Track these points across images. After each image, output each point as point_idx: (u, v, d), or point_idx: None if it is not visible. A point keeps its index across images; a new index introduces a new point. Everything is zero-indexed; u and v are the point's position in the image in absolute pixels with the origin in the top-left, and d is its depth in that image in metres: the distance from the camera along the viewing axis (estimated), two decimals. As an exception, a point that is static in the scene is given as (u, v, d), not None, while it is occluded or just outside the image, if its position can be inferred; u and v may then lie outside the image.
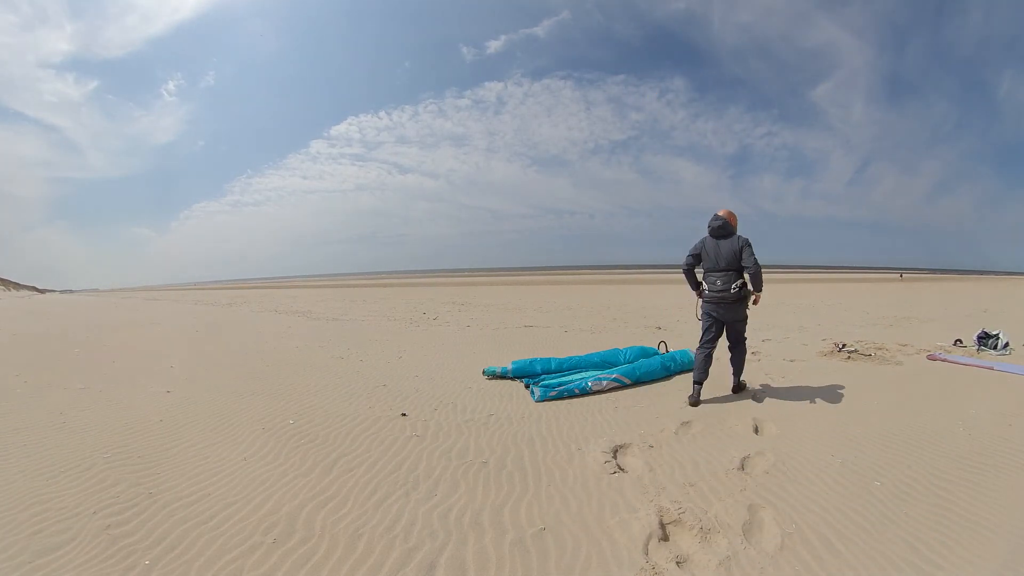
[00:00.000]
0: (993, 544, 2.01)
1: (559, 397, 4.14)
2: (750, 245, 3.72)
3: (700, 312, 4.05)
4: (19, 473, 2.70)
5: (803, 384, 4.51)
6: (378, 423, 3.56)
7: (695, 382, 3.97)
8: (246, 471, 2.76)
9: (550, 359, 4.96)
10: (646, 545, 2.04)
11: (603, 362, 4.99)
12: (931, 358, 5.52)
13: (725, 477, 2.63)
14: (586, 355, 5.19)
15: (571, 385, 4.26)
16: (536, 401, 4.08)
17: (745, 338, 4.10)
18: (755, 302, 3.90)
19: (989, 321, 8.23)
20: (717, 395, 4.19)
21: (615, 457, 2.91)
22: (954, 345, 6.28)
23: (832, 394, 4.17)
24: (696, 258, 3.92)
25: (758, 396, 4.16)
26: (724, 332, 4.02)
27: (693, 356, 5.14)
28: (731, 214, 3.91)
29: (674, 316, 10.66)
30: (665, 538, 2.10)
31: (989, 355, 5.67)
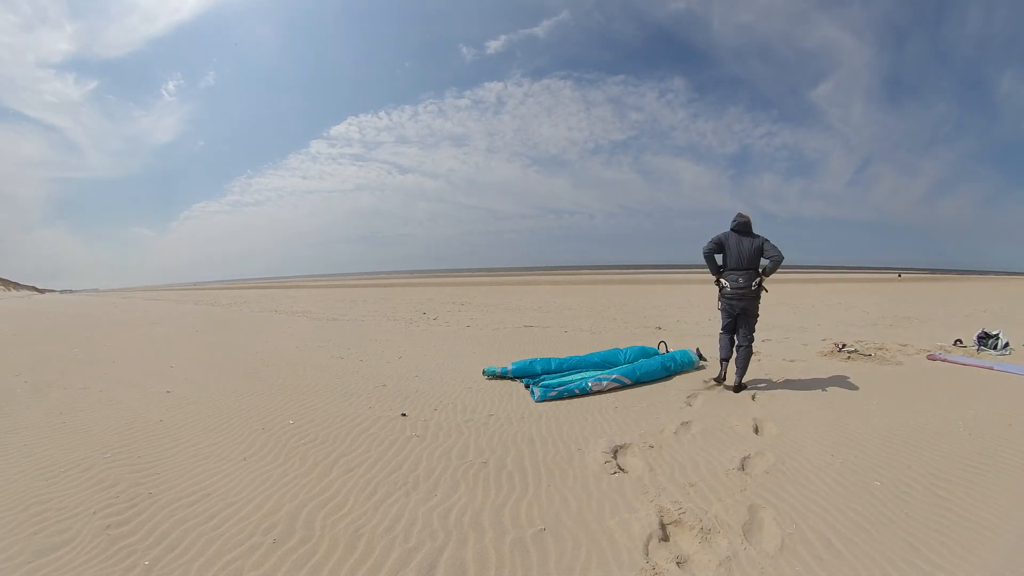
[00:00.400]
0: (993, 544, 2.01)
1: (559, 397, 4.14)
2: (770, 240, 4.13)
3: (720, 306, 4.38)
4: (19, 473, 2.70)
5: (803, 384, 4.51)
6: (378, 423, 3.56)
7: (722, 359, 4.34)
8: (246, 471, 2.76)
9: (550, 359, 4.96)
10: (646, 545, 2.04)
11: (603, 362, 4.98)
12: (931, 358, 5.52)
13: (725, 477, 2.63)
14: (586, 355, 5.19)
15: (571, 385, 4.26)
16: (536, 401, 4.08)
17: (753, 338, 4.32)
18: (761, 284, 4.21)
19: (989, 321, 8.23)
20: (717, 395, 4.19)
21: (615, 457, 2.91)
22: (954, 345, 6.28)
23: (832, 394, 4.17)
24: (718, 245, 4.18)
25: (758, 396, 4.15)
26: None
27: (693, 356, 5.17)
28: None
29: (674, 316, 10.66)
30: (665, 538, 2.10)
31: (989, 355, 5.67)
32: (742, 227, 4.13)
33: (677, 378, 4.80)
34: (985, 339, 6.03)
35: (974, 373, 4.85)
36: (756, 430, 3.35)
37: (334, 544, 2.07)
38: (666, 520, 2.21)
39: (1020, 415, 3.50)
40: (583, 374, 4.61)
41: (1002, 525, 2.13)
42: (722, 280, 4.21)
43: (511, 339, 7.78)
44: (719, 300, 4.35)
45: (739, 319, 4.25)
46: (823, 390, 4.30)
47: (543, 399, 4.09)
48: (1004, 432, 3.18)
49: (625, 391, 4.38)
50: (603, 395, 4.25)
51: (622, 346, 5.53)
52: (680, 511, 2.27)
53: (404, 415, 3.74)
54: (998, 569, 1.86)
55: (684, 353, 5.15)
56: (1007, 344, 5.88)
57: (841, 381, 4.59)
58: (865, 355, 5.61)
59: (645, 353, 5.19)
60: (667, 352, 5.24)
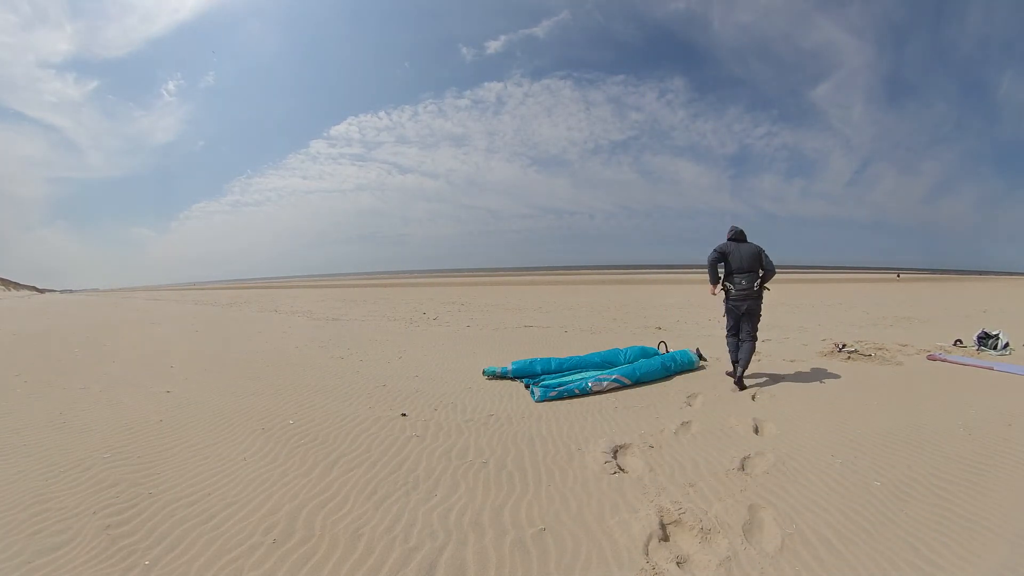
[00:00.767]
0: (993, 544, 2.01)
1: (559, 397, 4.14)
2: (765, 250, 4.43)
3: (725, 308, 4.57)
4: (19, 473, 2.70)
5: (803, 384, 4.51)
6: (378, 423, 3.56)
7: (734, 361, 4.52)
8: (246, 471, 2.76)
9: (550, 359, 4.96)
10: (646, 545, 2.04)
11: (603, 362, 4.98)
12: (931, 358, 5.52)
13: (725, 477, 2.63)
14: (586, 355, 5.19)
15: (571, 385, 4.26)
16: (536, 401, 4.08)
17: (756, 336, 4.51)
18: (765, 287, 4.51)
19: (989, 321, 8.23)
20: (717, 395, 4.19)
21: (615, 457, 2.91)
22: (954, 345, 6.28)
23: (832, 394, 4.17)
24: (722, 254, 4.44)
25: (758, 396, 4.15)
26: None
27: (693, 356, 5.17)
28: None
29: (674, 316, 10.66)
30: (665, 538, 2.10)
31: (989, 355, 5.67)
32: (739, 235, 4.50)
33: (677, 378, 4.80)
34: (985, 339, 6.03)
35: (974, 373, 4.85)
36: (756, 430, 3.35)
37: (334, 544, 2.07)
38: (666, 520, 2.21)
39: (1020, 415, 3.50)
40: (583, 374, 4.61)
41: (1002, 525, 2.13)
42: (726, 283, 4.45)
43: (511, 339, 7.78)
44: (724, 304, 4.56)
45: (743, 319, 4.46)
46: (823, 390, 4.30)
47: (543, 399, 4.09)
48: (1004, 432, 3.18)
49: (625, 391, 4.38)
50: (603, 395, 4.25)
51: (622, 346, 5.53)
52: (680, 511, 2.26)
53: (404, 415, 3.74)
54: (998, 569, 1.86)
55: (684, 353, 5.15)
56: (1007, 344, 5.87)
57: (841, 381, 4.59)
58: (865, 355, 5.61)
59: (645, 353, 5.19)
60: (667, 352, 5.24)
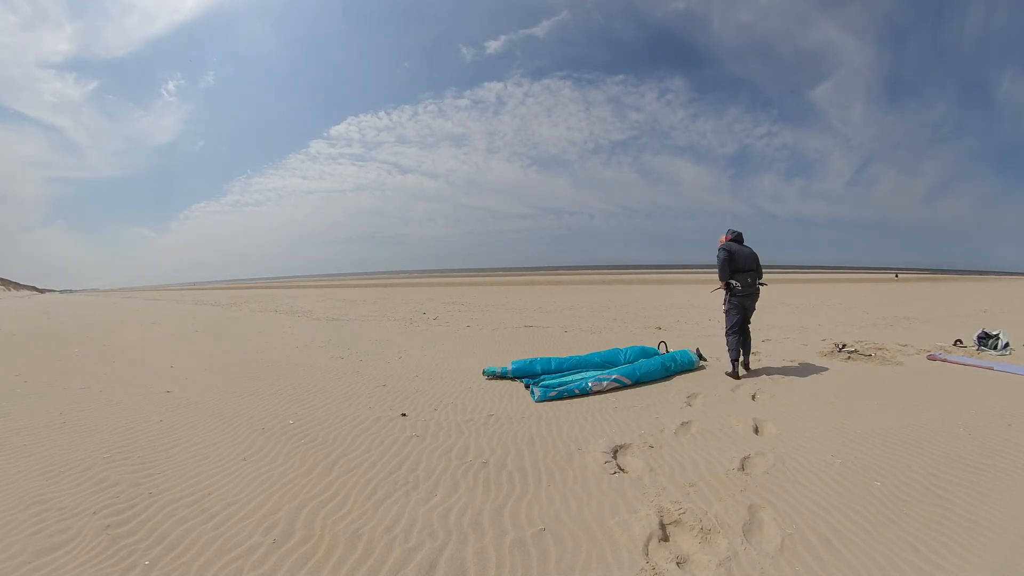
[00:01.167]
0: (993, 544, 2.01)
1: (559, 397, 4.14)
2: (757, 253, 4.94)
3: (730, 305, 4.85)
4: (19, 473, 2.70)
5: (803, 384, 4.51)
6: (378, 423, 3.56)
7: (733, 360, 4.82)
8: (246, 471, 2.76)
9: (550, 359, 4.96)
10: (646, 545, 2.04)
11: (603, 362, 4.98)
12: (931, 358, 5.52)
13: (725, 477, 2.63)
14: (586, 355, 5.19)
15: (571, 385, 4.26)
16: (536, 401, 4.08)
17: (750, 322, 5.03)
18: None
19: (989, 321, 8.23)
20: (717, 395, 4.19)
21: (615, 457, 2.91)
22: (954, 345, 6.27)
23: (832, 395, 4.17)
24: (731, 254, 4.78)
25: (758, 396, 4.16)
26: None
27: (693, 356, 5.17)
28: None
29: (674, 316, 10.66)
30: (665, 538, 2.10)
31: (989, 355, 5.67)
32: (739, 238, 4.95)
33: (677, 378, 4.80)
34: (985, 339, 6.03)
35: (974, 373, 4.85)
36: (756, 430, 3.35)
37: (334, 544, 2.07)
38: (666, 520, 2.21)
39: (1020, 415, 3.50)
40: (583, 374, 4.61)
41: (1002, 525, 2.13)
42: (732, 281, 4.77)
43: (511, 339, 7.78)
44: (729, 301, 4.84)
45: (746, 314, 4.87)
46: (823, 390, 4.30)
47: (543, 399, 4.09)
48: (1004, 432, 3.18)
49: (625, 391, 4.38)
50: (603, 395, 4.25)
51: (622, 346, 5.53)
52: (680, 511, 2.27)
53: (404, 415, 3.74)
54: (998, 569, 1.86)
55: (684, 353, 5.15)
56: (1007, 344, 5.87)
57: (841, 381, 4.59)
58: (865, 355, 5.61)
59: (645, 353, 5.19)
60: (667, 352, 5.24)
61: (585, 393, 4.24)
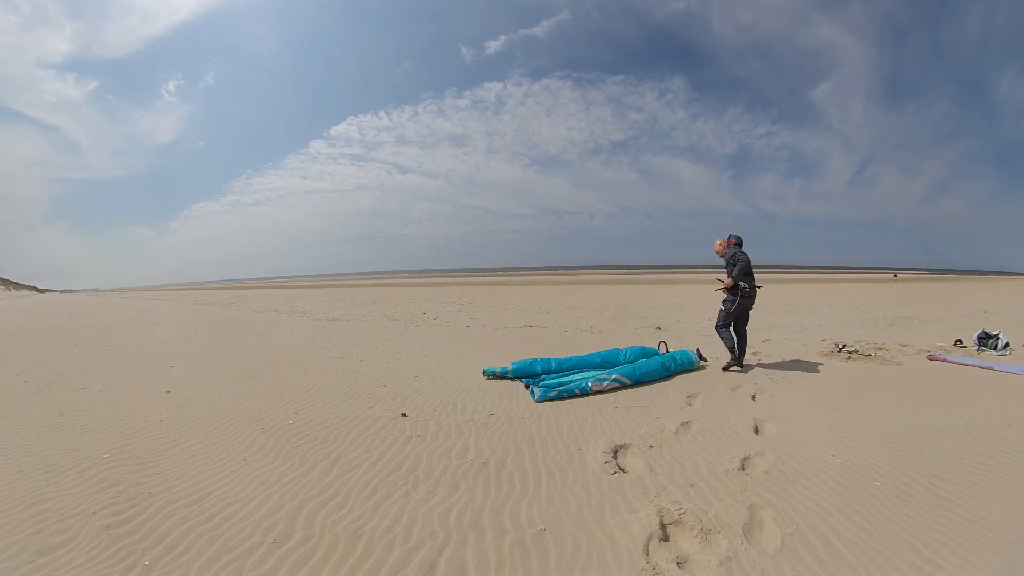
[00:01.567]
0: (993, 544, 2.01)
1: (559, 397, 4.14)
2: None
3: (732, 305, 5.04)
4: (19, 473, 2.70)
5: (803, 384, 4.51)
6: (378, 423, 3.56)
7: (730, 348, 5.06)
8: (246, 471, 2.76)
9: (550, 359, 4.96)
10: (646, 545, 2.04)
11: (603, 362, 4.98)
12: (931, 358, 5.52)
13: (725, 477, 2.63)
14: (586, 355, 5.18)
15: (571, 385, 4.26)
16: (536, 401, 4.08)
17: None
18: None
19: (989, 321, 8.23)
20: (717, 395, 4.19)
21: (615, 457, 2.91)
22: (954, 345, 6.28)
23: (832, 394, 4.17)
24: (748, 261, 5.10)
25: (758, 396, 4.16)
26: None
27: (693, 356, 5.17)
28: None
29: (674, 316, 10.66)
30: (665, 538, 2.10)
31: (989, 355, 5.67)
32: (740, 243, 5.23)
33: (677, 378, 4.80)
34: (985, 339, 6.03)
35: (974, 373, 4.85)
36: (756, 430, 3.35)
37: (334, 544, 2.07)
38: (666, 520, 2.21)
39: (1020, 415, 3.50)
40: (583, 374, 4.61)
41: (1002, 525, 2.13)
42: (741, 283, 5.04)
43: (511, 339, 7.78)
44: (733, 301, 5.03)
45: (744, 315, 5.19)
46: (823, 390, 4.30)
47: (543, 399, 4.09)
48: (1004, 432, 3.19)
49: (625, 391, 4.38)
50: (603, 395, 4.25)
51: (622, 346, 5.53)
52: (680, 511, 2.26)
53: (404, 415, 3.74)
54: (998, 569, 1.86)
55: (684, 353, 5.15)
56: (1007, 344, 5.87)
57: (841, 381, 4.59)
58: (865, 355, 5.61)
59: (645, 353, 5.19)
60: (667, 352, 5.24)
61: (585, 393, 4.24)
